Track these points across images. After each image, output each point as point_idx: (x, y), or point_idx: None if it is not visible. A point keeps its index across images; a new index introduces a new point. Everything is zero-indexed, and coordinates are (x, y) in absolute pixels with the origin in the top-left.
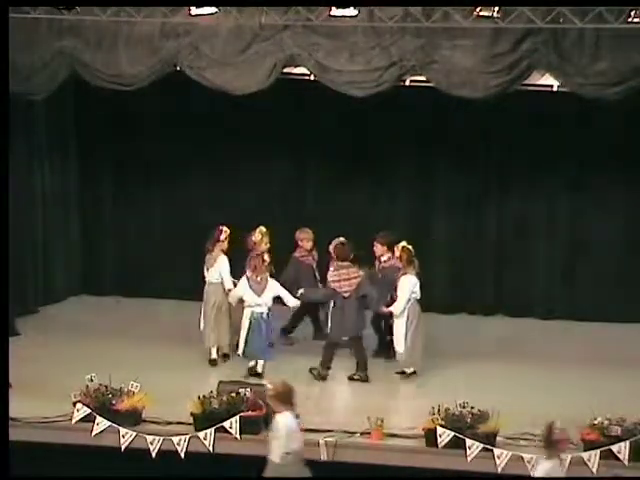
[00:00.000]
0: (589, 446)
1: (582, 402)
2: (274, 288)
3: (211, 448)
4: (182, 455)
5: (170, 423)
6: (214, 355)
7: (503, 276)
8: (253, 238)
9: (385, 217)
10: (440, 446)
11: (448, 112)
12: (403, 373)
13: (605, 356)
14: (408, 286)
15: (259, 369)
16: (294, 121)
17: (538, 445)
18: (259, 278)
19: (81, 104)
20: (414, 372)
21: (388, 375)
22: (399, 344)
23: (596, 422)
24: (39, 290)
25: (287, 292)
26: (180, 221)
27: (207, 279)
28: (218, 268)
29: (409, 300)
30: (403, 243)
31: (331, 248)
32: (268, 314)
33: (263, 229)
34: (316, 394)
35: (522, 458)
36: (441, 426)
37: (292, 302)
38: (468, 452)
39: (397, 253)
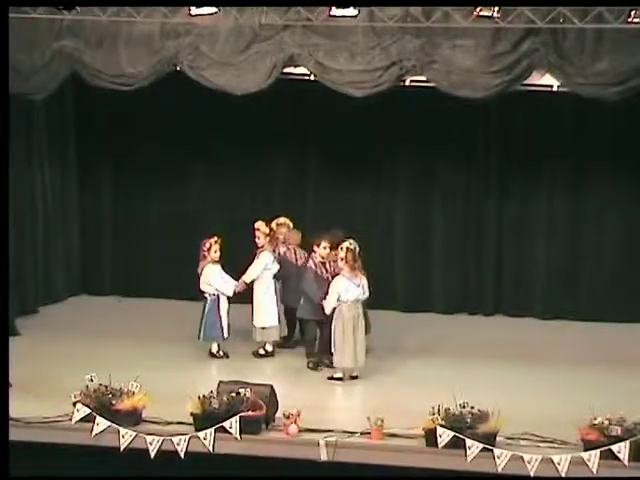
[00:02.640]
0: (589, 446)
1: (582, 402)
2: (206, 276)
3: (211, 448)
4: (182, 455)
5: (170, 423)
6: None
7: (503, 276)
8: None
9: (385, 217)
10: (440, 446)
11: (448, 112)
12: (332, 378)
13: (605, 356)
14: (337, 287)
15: (213, 350)
16: (294, 121)
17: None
18: (201, 265)
19: (81, 104)
20: (356, 377)
21: (388, 375)
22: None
23: (596, 422)
24: (39, 290)
25: (221, 282)
26: (180, 221)
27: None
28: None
29: (338, 302)
30: (346, 244)
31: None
32: (216, 299)
33: (280, 220)
34: (316, 394)
35: (522, 458)
36: (441, 426)
37: (228, 291)
38: (468, 452)
39: (341, 254)
